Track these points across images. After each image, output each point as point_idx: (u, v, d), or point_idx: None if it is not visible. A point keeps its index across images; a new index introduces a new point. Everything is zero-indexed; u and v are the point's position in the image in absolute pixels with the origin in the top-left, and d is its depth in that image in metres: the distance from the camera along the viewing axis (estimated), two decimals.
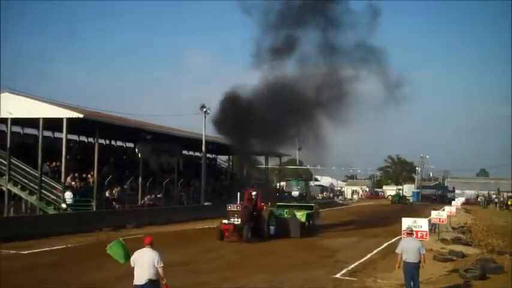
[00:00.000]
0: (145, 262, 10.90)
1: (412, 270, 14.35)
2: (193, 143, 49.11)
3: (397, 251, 14.75)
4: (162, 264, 10.98)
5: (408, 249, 14.43)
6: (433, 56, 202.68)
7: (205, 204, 45.29)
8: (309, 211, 33.44)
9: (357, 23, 33.83)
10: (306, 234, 30.28)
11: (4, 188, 35.83)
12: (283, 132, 34.41)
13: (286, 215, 30.40)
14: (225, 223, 27.20)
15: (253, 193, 29.80)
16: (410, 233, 15.61)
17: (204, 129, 45.25)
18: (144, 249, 11.15)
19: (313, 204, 35.54)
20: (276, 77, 33.67)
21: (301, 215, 31.96)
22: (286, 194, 37.08)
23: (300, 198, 35.78)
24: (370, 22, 34.23)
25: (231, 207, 27.59)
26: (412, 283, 14.45)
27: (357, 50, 34.31)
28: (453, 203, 50.74)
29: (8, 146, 35.98)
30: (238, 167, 36.89)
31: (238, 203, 28.22)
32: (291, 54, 33.96)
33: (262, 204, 29.68)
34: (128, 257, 11.32)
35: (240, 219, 26.92)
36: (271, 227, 29.04)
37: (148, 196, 40.79)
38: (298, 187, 36.68)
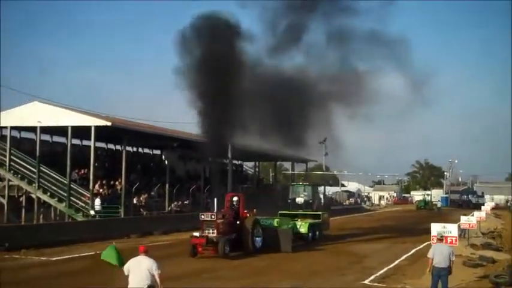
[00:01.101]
0: (143, 269, 11.01)
1: (441, 275, 14.56)
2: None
3: (428, 255, 14.99)
4: (159, 271, 11.09)
5: (439, 254, 14.68)
6: (462, 56, 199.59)
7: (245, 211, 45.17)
8: (313, 220, 29.93)
9: (371, 9, 31.16)
10: (305, 247, 27.25)
11: (34, 196, 36.39)
12: (293, 128, 31.04)
13: (276, 225, 26.47)
14: (196, 236, 23.12)
15: (235, 198, 25.85)
16: (440, 238, 15.90)
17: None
18: (139, 257, 11.24)
19: (320, 213, 31.33)
20: (282, 70, 30.76)
21: (302, 225, 28.83)
22: (289, 201, 32.21)
23: (305, 206, 31.30)
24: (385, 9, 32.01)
25: (205, 217, 23.35)
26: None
27: (372, 40, 31.69)
28: (482, 208, 50.02)
29: (38, 154, 36.58)
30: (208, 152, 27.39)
31: (214, 211, 23.91)
32: (297, 46, 31.09)
33: (246, 211, 25.59)
34: (121, 262, 11.49)
35: (215, 231, 22.96)
36: (257, 239, 24.90)
37: (175, 203, 41.01)
38: (305, 193, 31.83)
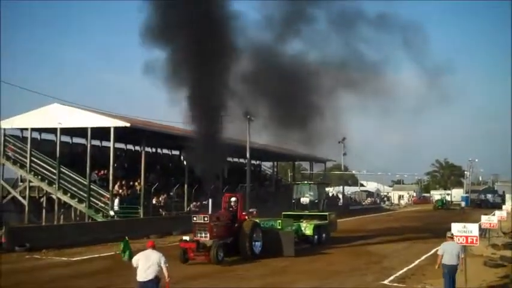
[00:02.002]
0: (152, 261, 12.06)
1: (451, 272, 15.04)
2: (237, 149, 49.26)
3: (438, 253, 15.42)
4: (167, 264, 12.20)
5: (449, 252, 15.15)
6: (483, 54, 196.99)
7: (250, 210, 45.20)
8: (319, 222, 28.45)
9: None
10: (310, 250, 25.84)
11: (54, 196, 36.74)
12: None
13: (278, 227, 24.85)
14: (186, 240, 21.43)
15: (233, 199, 24.05)
16: (451, 237, 16.17)
17: (248, 135, 45.31)
18: (148, 250, 12.31)
19: (326, 214, 29.57)
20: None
21: (307, 227, 27.46)
22: (294, 201, 30.27)
23: (310, 206, 29.67)
24: None
25: (197, 219, 21.63)
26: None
27: (382, 25, 29.87)
28: (504, 207, 49.50)
29: (58, 155, 36.93)
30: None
31: (208, 213, 22.01)
32: (300, 32, 29.32)
33: (244, 213, 24.09)
34: (130, 256, 12.72)
35: (208, 235, 21.26)
36: (256, 243, 23.07)
37: (194, 203, 41.06)
38: (310, 193, 30.10)
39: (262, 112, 29.80)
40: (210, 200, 22.95)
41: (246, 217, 23.84)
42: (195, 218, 21.85)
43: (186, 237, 21.66)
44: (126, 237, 13.59)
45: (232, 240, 22.44)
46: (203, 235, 21.27)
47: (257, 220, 24.38)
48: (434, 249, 26.40)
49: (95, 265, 21.43)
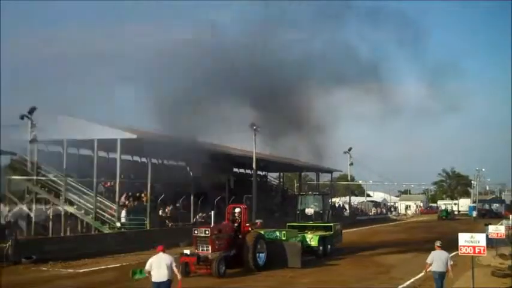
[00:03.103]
0: (164, 264, 13.42)
1: (440, 278, 16.05)
2: (243, 160, 49.30)
3: (427, 260, 16.31)
4: (176, 265, 13.79)
5: (438, 260, 16.10)
6: (490, 60, 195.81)
7: (257, 221, 45.11)
8: (324, 233, 28.33)
9: None
10: (315, 263, 25.36)
11: (61, 208, 36.77)
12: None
13: (283, 238, 24.94)
14: (186, 254, 21.18)
15: (237, 210, 23.79)
16: (439, 246, 16.69)
17: (255, 146, 45.34)
18: (159, 254, 13.69)
19: (331, 224, 29.43)
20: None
21: (312, 238, 27.25)
22: (298, 212, 30.17)
23: (315, 218, 29.65)
24: None
25: (198, 233, 21.44)
26: None
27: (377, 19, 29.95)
28: (511, 216, 49.19)
29: (65, 167, 37.00)
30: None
31: (210, 226, 22.33)
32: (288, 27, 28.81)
33: (248, 225, 23.55)
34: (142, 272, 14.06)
35: (209, 248, 21.04)
36: (260, 255, 22.65)
37: (200, 214, 41.03)
38: (315, 203, 30.13)
39: (259, 118, 29.24)
40: (212, 213, 23.32)
41: (250, 228, 23.44)
42: (196, 231, 21.58)
43: (187, 251, 21.40)
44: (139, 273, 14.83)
45: (236, 253, 22.09)
46: (204, 248, 21.03)
47: (261, 231, 24.06)
48: None
49: (102, 277, 21.42)
